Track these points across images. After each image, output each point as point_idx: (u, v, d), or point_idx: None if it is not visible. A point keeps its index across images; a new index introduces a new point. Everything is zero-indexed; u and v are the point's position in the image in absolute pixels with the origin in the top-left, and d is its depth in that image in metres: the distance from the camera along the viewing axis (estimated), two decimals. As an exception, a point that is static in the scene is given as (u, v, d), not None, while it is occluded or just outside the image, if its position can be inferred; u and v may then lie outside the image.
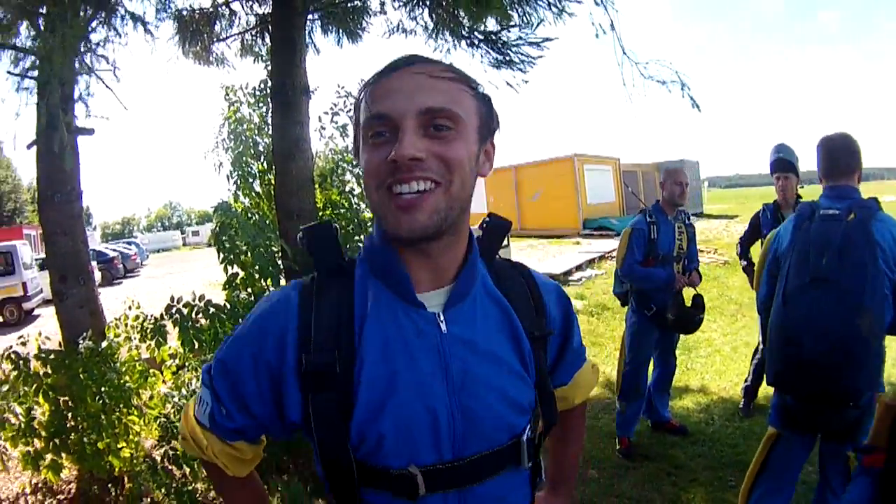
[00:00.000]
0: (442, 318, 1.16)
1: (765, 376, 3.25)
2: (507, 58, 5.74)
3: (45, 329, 5.15)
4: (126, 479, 4.74)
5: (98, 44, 6.24)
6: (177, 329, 4.38)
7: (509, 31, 5.64)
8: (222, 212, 4.52)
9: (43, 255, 25.01)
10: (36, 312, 19.39)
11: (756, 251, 5.61)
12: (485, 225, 1.36)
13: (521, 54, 5.69)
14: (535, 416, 1.25)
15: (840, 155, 3.03)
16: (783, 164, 5.09)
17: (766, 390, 5.67)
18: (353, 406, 1.11)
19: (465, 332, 1.17)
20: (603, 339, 8.93)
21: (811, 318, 2.78)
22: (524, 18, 5.61)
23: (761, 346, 5.59)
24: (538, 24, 5.63)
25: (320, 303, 1.18)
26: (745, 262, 5.80)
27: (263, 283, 4.59)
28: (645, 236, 4.79)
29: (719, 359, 7.54)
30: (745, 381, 5.83)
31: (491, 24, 5.76)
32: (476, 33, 5.80)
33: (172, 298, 4.44)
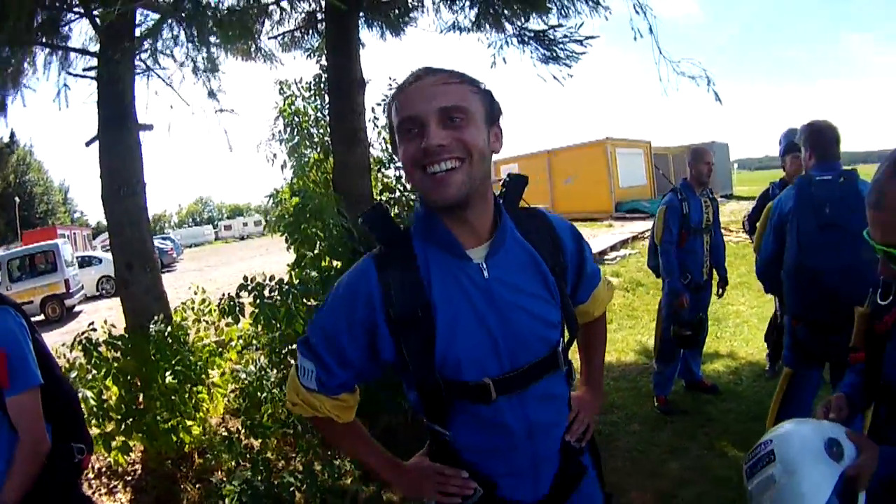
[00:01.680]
0: (485, 266, 1.55)
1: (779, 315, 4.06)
2: (554, 54, 6.30)
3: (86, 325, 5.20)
4: (196, 455, 5.08)
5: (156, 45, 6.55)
6: (250, 308, 4.70)
7: (556, 31, 6.18)
8: (301, 194, 4.86)
9: (83, 253, 25.52)
10: (77, 309, 19.62)
11: None
12: (506, 182, 1.74)
13: (567, 51, 6.26)
14: (562, 329, 1.66)
15: (832, 143, 3.71)
16: (796, 145, 5.50)
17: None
18: (434, 339, 1.50)
19: (503, 275, 1.56)
20: (638, 312, 9.42)
21: (827, 256, 3.40)
22: (562, 11, 6.09)
23: (779, 312, 5.94)
24: (581, 25, 6.19)
25: (392, 267, 1.56)
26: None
27: (333, 263, 4.95)
28: (678, 212, 5.26)
29: (747, 328, 7.93)
30: (767, 352, 6.27)
31: (540, 24, 6.31)
32: (526, 31, 6.31)
33: (245, 278, 4.75)
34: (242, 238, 65.40)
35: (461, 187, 1.44)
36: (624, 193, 25.60)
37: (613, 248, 15.14)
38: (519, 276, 1.59)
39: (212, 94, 7.06)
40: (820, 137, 3.72)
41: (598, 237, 17.49)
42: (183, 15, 5.21)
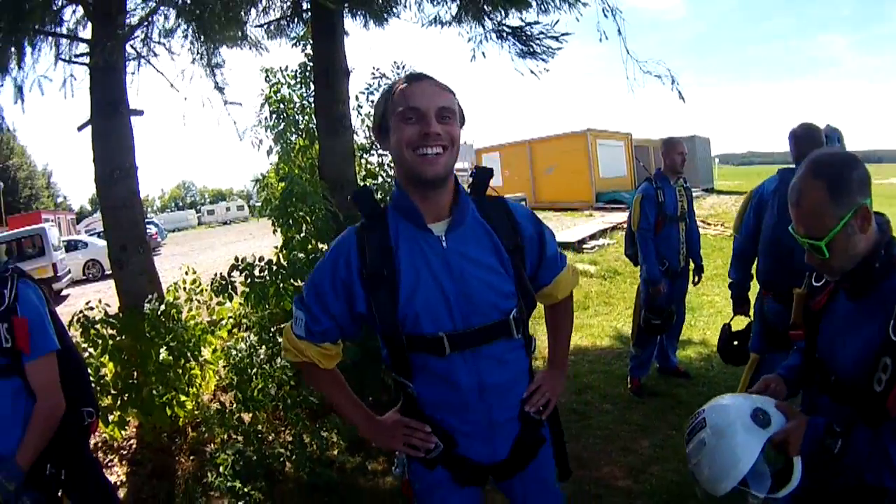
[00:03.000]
0: (444, 238, 1.86)
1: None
2: (531, 49, 6.63)
3: (76, 308, 5.28)
4: (189, 428, 5.26)
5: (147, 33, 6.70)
6: (241, 287, 4.93)
7: (533, 27, 6.49)
8: (287, 180, 5.04)
9: (69, 237, 25.21)
10: (65, 293, 19.13)
11: None
12: (472, 173, 2.06)
13: (543, 46, 6.58)
14: (519, 301, 1.93)
15: (812, 143, 3.99)
16: None
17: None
18: (398, 295, 1.82)
19: (460, 247, 1.86)
20: (614, 299, 9.67)
21: None
22: (541, 7, 6.36)
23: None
24: (556, 22, 6.47)
25: (369, 234, 1.89)
26: None
27: (319, 245, 5.14)
28: (654, 200, 5.46)
29: (720, 318, 8.03)
30: None
31: (517, 20, 6.58)
32: (505, 26, 6.60)
33: (237, 258, 4.94)
34: (225, 223, 64.61)
35: (444, 167, 1.77)
36: (605, 184, 25.68)
37: (592, 237, 15.32)
38: (475, 250, 1.88)
39: (218, 87, 7.24)
40: (801, 138, 4.06)
41: (577, 226, 17.69)
42: (185, 8, 5.37)
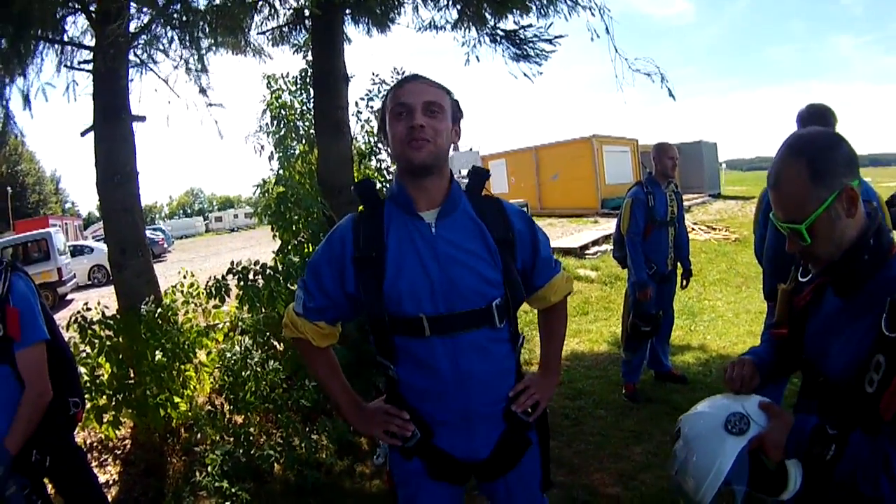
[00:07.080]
0: (433, 225, 1.96)
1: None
2: (525, 52, 6.73)
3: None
4: (182, 429, 5.27)
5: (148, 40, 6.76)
6: (236, 290, 4.99)
7: (526, 30, 6.57)
8: (283, 183, 5.09)
9: (75, 243, 25.34)
10: (69, 297, 19.20)
11: None
12: (470, 173, 2.15)
13: (537, 49, 6.67)
14: (505, 292, 1.98)
15: (819, 124, 3.74)
16: None
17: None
18: (384, 276, 1.91)
19: (448, 234, 1.96)
20: (614, 304, 9.59)
21: None
22: (541, 11, 6.37)
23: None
24: (550, 25, 6.54)
25: (365, 221, 2.00)
26: None
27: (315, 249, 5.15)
28: (644, 205, 5.47)
29: (721, 323, 8.16)
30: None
31: (511, 23, 6.63)
32: (498, 30, 6.66)
33: (233, 263, 5.02)
34: (233, 230, 65.13)
35: (430, 154, 1.89)
36: (610, 190, 25.51)
37: (595, 242, 15.29)
38: (462, 237, 1.97)
39: (202, 90, 7.28)
40: (807, 120, 3.95)
41: (581, 232, 17.68)
42: (173, 17, 5.43)
